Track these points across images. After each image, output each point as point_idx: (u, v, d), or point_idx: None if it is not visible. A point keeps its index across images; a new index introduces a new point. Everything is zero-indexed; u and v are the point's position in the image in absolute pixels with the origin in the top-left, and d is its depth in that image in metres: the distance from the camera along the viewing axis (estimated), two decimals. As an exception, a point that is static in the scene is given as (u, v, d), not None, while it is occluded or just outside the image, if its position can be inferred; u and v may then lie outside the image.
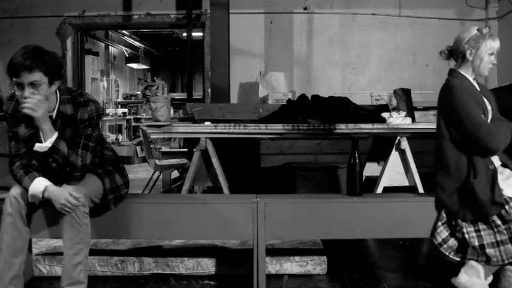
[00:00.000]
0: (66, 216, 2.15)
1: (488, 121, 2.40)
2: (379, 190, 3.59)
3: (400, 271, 2.91)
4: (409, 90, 3.91)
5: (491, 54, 2.42)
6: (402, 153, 3.58)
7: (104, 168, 2.44)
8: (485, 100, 2.44)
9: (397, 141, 3.57)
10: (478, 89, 2.47)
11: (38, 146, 2.17)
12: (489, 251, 2.27)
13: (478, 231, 2.30)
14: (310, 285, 2.68)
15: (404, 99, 3.79)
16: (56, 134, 2.17)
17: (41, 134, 2.18)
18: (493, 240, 2.27)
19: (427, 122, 3.81)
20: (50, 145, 2.15)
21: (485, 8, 6.50)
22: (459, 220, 2.35)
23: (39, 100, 2.10)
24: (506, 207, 2.25)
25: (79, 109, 2.25)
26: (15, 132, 2.24)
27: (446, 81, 2.46)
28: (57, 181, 2.22)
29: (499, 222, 2.27)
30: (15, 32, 6.70)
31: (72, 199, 2.13)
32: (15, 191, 2.22)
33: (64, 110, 2.24)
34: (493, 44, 2.41)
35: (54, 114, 2.24)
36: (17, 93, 2.13)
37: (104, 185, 2.39)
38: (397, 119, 3.53)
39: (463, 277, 2.37)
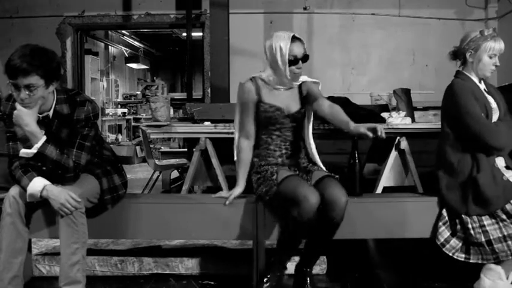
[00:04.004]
0: (62, 216, 2.14)
1: (493, 121, 2.41)
2: (379, 190, 3.59)
3: (400, 271, 2.91)
4: (409, 90, 3.90)
5: (493, 56, 2.41)
6: (402, 153, 3.57)
7: (102, 168, 2.43)
8: (491, 100, 2.45)
9: (396, 141, 3.56)
10: (485, 89, 2.48)
11: (23, 152, 2.17)
12: (497, 246, 2.27)
13: (483, 226, 2.31)
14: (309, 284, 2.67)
15: (404, 99, 3.78)
16: (42, 140, 2.15)
17: None
18: (500, 235, 2.28)
19: (427, 122, 3.80)
20: (36, 151, 2.15)
21: (485, 8, 6.50)
22: (463, 216, 2.35)
23: (25, 114, 2.11)
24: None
25: (76, 109, 2.25)
26: (13, 132, 2.23)
27: (451, 82, 2.49)
28: (51, 182, 2.21)
29: (503, 216, 2.28)
30: (15, 31, 6.70)
31: (72, 200, 2.13)
32: (14, 190, 2.21)
33: (60, 110, 2.24)
34: (494, 45, 2.40)
35: (50, 113, 2.24)
36: (14, 94, 2.14)
37: (101, 185, 2.38)
38: (397, 119, 3.52)
39: (485, 281, 2.36)
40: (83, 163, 2.27)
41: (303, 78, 2.51)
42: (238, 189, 2.53)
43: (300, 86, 2.53)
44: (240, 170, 2.52)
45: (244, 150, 2.50)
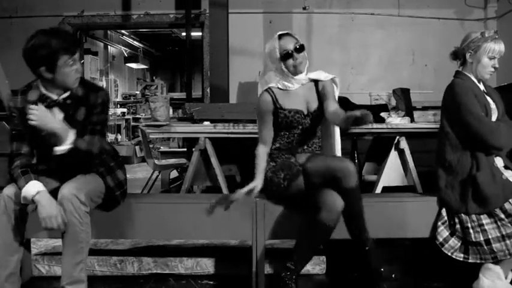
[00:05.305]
0: (68, 216, 2.13)
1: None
2: (378, 190, 3.59)
3: (399, 271, 2.90)
4: (408, 89, 3.90)
5: (492, 57, 2.41)
6: (401, 152, 3.58)
7: (105, 166, 2.43)
8: (490, 101, 2.45)
9: (396, 140, 3.57)
10: (483, 90, 2.48)
11: (58, 150, 2.17)
12: (495, 245, 2.27)
13: (481, 225, 2.31)
14: (309, 285, 2.67)
15: (403, 98, 3.79)
16: (73, 134, 2.18)
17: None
18: (498, 235, 2.28)
19: (426, 122, 3.81)
20: (70, 146, 2.17)
21: (484, 8, 6.50)
22: (462, 215, 2.36)
23: (45, 113, 2.16)
24: (511, 200, 2.27)
25: (90, 93, 2.29)
26: (19, 131, 2.25)
27: (450, 82, 2.49)
28: (70, 175, 2.25)
29: (502, 215, 2.28)
30: (14, 31, 6.68)
31: (60, 219, 2.11)
32: (10, 190, 2.21)
33: (76, 92, 2.27)
34: (494, 47, 2.39)
35: (67, 95, 2.27)
36: (68, 71, 2.18)
37: (107, 183, 2.40)
38: (396, 119, 3.53)
39: (484, 281, 2.36)
40: (105, 148, 2.37)
41: (317, 74, 2.54)
42: (257, 182, 2.45)
43: (316, 84, 2.55)
44: (257, 170, 2.50)
45: (260, 156, 2.53)
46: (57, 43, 2.12)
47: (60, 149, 2.16)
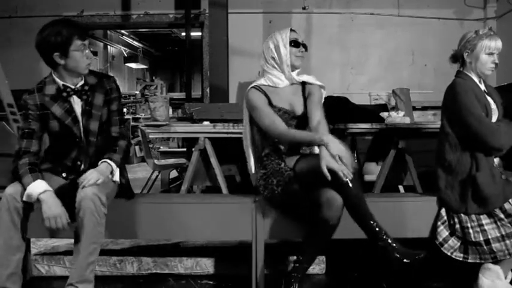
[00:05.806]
0: (88, 215, 2.13)
1: (493, 121, 2.41)
2: (378, 190, 3.59)
3: (399, 271, 2.90)
4: (408, 89, 3.90)
5: (490, 54, 2.41)
6: (401, 152, 3.57)
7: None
8: (491, 101, 2.45)
9: (395, 140, 3.56)
10: (484, 89, 2.48)
11: (117, 180, 2.39)
12: (495, 245, 2.27)
13: (481, 225, 2.31)
14: (309, 284, 2.67)
15: (403, 98, 3.79)
16: (114, 164, 2.34)
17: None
18: (498, 235, 2.28)
19: (426, 122, 3.81)
20: (118, 169, 2.37)
21: (484, 8, 6.50)
22: (462, 215, 2.36)
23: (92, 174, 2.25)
24: (510, 200, 2.27)
25: (103, 79, 2.41)
26: (32, 130, 2.29)
27: (452, 82, 2.49)
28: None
29: (502, 215, 2.28)
30: (14, 31, 6.68)
31: (65, 220, 2.15)
32: (12, 189, 2.20)
33: (89, 80, 2.37)
34: (490, 43, 2.40)
35: (82, 82, 2.35)
36: (79, 57, 2.28)
37: (120, 182, 2.44)
38: (396, 119, 3.53)
39: (483, 281, 2.37)
40: (128, 135, 2.48)
41: (308, 78, 2.54)
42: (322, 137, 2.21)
43: (303, 87, 2.54)
44: (303, 135, 2.36)
45: (286, 130, 2.38)
46: (69, 29, 2.24)
47: (117, 179, 2.38)
